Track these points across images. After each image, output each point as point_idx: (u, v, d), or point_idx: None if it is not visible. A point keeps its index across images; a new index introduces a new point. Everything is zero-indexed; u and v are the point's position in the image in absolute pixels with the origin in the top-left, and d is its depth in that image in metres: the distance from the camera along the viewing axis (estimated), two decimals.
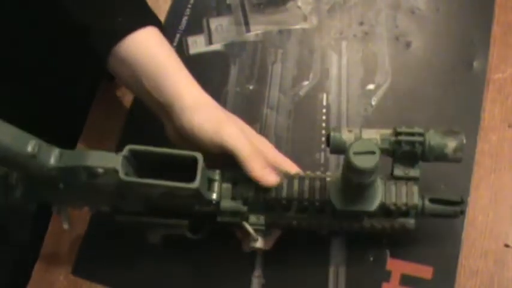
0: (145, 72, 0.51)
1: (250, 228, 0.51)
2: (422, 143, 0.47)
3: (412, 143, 0.47)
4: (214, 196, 0.49)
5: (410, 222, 0.50)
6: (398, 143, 0.47)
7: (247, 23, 0.67)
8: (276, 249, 0.54)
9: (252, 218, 0.51)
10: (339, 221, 0.51)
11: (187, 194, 0.46)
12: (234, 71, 0.65)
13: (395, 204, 0.48)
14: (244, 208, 0.50)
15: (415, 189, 0.48)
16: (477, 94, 0.58)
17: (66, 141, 0.52)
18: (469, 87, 0.59)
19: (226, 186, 0.50)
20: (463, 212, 0.50)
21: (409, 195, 0.48)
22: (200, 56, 0.66)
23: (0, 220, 0.63)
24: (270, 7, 0.67)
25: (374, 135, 0.48)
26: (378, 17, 0.64)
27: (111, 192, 0.48)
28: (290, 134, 0.61)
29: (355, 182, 0.43)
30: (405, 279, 0.53)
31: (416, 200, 0.48)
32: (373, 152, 0.40)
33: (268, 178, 0.49)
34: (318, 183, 0.49)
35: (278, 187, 0.49)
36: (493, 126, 0.57)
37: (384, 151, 0.47)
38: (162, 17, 0.69)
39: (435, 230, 0.54)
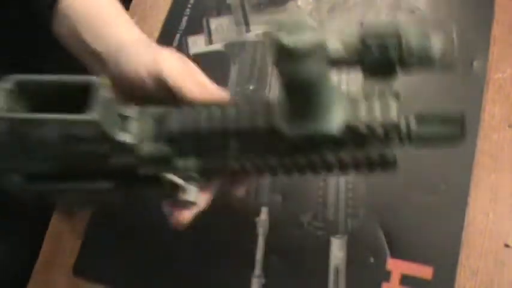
0: (86, 23, 0.50)
1: (175, 177, 0.41)
2: (398, 46, 0.33)
3: (385, 47, 0.33)
4: (128, 138, 0.38)
5: (389, 152, 0.38)
6: (367, 48, 0.33)
7: (247, 23, 0.67)
8: (276, 248, 0.54)
9: (180, 163, 0.41)
10: (292, 157, 0.39)
11: (90, 134, 0.36)
12: (234, 71, 0.65)
13: (368, 126, 0.36)
14: (169, 150, 0.40)
15: (393, 104, 0.37)
16: (477, 94, 0.58)
17: None
18: (469, 87, 0.59)
19: (148, 125, 0.40)
20: (464, 134, 0.37)
21: (384, 111, 0.37)
22: (200, 56, 0.66)
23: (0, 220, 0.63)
24: (270, 7, 0.67)
25: (335, 41, 0.33)
26: (378, 17, 0.64)
27: (5, 146, 0.39)
28: None
29: (296, 83, 0.32)
30: (405, 279, 0.53)
31: (395, 116, 0.36)
32: (307, 29, 0.30)
33: (208, 92, 0.42)
34: (259, 108, 0.38)
35: (211, 115, 0.39)
36: (493, 126, 0.57)
37: (350, 62, 0.33)
38: (162, 17, 0.69)
39: (435, 230, 0.54)
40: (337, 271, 0.55)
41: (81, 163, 0.40)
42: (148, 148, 0.39)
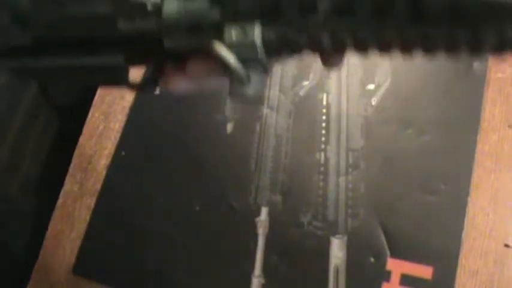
0: None
1: (228, 54, 0.28)
2: None
3: None
4: None
5: None
6: None
7: None
8: (276, 248, 0.54)
9: (233, 33, 0.28)
10: (423, 29, 0.25)
11: None
12: None
13: None
14: (216, 13, 0.28)
15: None
16: (477, 94, 0.58)
17: (67, 141, 0.52)
18: (469, 87, 0.59)
19: None
20: None
21: None
22: None
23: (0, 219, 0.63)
24: None
25: None
26: None
27: None
28: (290, 134, 0.61)
29: None
30: (405, 279, 0.53)
31: None
32: None
33: None
34: None
35: None
36: (493, 126, 0.57)
37: None
38: None
39: (435, 230, 0.54)
40: (337, 271, 0.55)
41: (79, 28, 0.31)
42: (177, 7, 0.28)
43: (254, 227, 0.58)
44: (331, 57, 0.32)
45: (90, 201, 0.64)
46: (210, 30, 0.28)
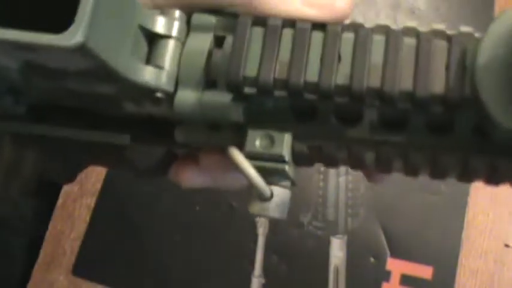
0: None
1: (246, 165, 0.24)
2: None
3: None
4: (153, 76, 0.23)
5: None
6: None
7: None
8: (276, 248, 0.54)
9: (258, 141, 0.24)
10: (492, 157, 0.22)
11: (77, 67, 0.21)
12: None
13: None
14: (238, 112, 0.24)
15: None
16: None
17: None
18: None
19: (197, 53, 0.24)
20: None
21: None
22: None
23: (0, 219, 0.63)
24: None
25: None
26: (378, 17, 0.64)
27: None
28: None
29: None
30: (405, 279, 0.53)
31: None
32: None
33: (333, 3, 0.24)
34: (440, 57, 0.22)
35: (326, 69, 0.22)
36: None
37: None
38: None
39: (435, 230, 0.54)
40: (337, 271, 0.55)
41: (78, 101, 0.26)
42: (192, 98, 0.23)
43: (254, 227, 0.58)
44: (374, 174, 0.29)
45: (90, 201, 0.64)
46: (229, 131, 0.25)
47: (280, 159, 0.24)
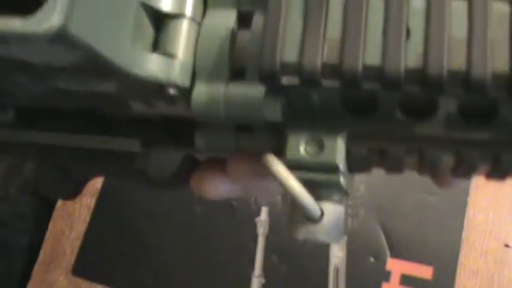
0: None
1: (288, 177, 0.19)
2: None
3: None
4: (163, 70, 0.18)
5: None
6: None
7: None
8: (276, 248, 0.54)
9: (302, 146, 0.19)
10: None
11: (59, 59, 0.16)
12: None
13: None
14: (276, 109, 0.19)
15: None
16: None
17: None
18: None
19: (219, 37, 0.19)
20: None
21: None
22: None
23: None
24: None
25: None
26: None
27: None
28: None
29: None
30: (405, 279, 0.53)
31: None
32: None
33: None
34: None
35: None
36: None
37: None
38: None
39: (435, 230, 0.54)
40: (337, 271, 0.55)
41: (75, 102, 0.21)
42: (215, 93, 0.19)
43: (254, 227, 0.58)
44: (448, 177, 0.22)
45: (90, 201, 0.64)
46: (264, 133, 0.20)
47: (333, 169, 0.19)
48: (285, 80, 0.17)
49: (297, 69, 0.17)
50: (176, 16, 0.18)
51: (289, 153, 0.19)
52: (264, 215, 0.58)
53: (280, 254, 0.56)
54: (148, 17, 0.18)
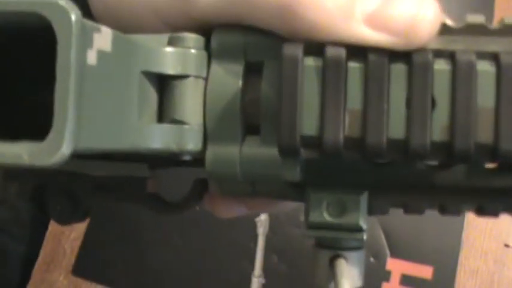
0: None
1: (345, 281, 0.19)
2: None
3: None
4: (169, 139, 0.18)
5: None
6: None
7: None
8: (276, 248, 0.54)
9: (326, 210, 0.19)
10: None
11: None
12: None
13: None
14: (294, 171, 0.18)
15: None
16: None
17: None
18: None
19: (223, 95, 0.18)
20: None
21: None
22: None
23: None
24: None
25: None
26: None
27: None
28: None
29: None
30: (405, 279, 0.53)
31: None
32: None
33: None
34: None
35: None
36: None
37: None
38: None
39: (435, 230, 0.54)
40: None
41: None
42: (229, 154, 0.18)
43: (254, 227, 0.58)
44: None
45: None
46: (282, 187, 0.19)
47: (356, 229, 0.18)
48: (306, 154, 0.17)
49: (317, 142, 0.16)
50: (180, 77, 0.17)
51: (312, 216, 0.18)
52: (264, 215, 0.58)
53: (280, 254, 0.56)
54: (151, 84, 0.17)
